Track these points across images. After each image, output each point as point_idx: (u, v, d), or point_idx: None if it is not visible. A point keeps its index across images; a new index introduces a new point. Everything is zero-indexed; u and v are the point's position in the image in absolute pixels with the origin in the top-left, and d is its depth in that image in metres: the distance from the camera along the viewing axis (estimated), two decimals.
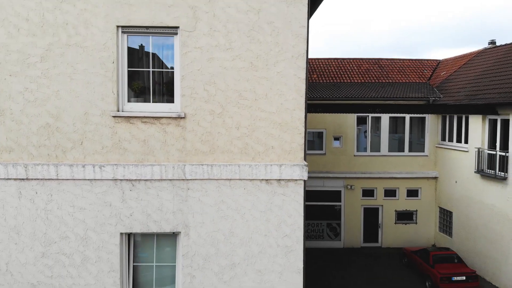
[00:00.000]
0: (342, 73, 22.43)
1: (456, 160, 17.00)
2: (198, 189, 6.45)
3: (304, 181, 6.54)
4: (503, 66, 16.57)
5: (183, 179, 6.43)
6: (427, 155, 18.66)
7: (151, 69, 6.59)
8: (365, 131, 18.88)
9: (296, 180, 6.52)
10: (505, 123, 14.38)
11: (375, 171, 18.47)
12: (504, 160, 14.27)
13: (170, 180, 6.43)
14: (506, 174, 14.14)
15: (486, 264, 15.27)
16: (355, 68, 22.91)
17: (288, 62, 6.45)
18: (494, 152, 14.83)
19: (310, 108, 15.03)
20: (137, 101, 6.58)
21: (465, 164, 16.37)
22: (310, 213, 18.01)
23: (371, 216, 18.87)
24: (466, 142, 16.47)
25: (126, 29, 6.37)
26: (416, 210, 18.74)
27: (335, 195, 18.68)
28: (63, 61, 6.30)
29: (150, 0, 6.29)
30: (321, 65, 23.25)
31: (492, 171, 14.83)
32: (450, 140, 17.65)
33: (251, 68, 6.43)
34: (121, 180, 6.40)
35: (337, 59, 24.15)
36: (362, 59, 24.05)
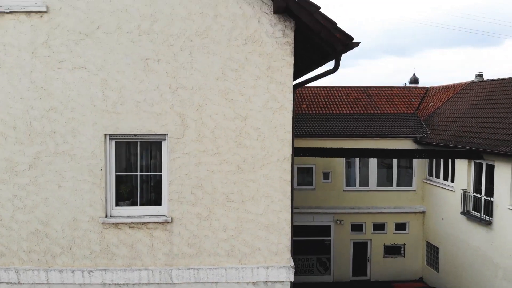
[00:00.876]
0: (331, 102, 22.62)
1: (442, 198, 17.28)
2: None
3: (291, 282, 6.68)
4: (489, 104, 16.88)
5: (170, 283, 6.54)
6: (414, 190, 18.93)
7: (139, 173, 6.69)
8: (352, 166, 19.11)
9: (282, 281, 6.65)
10: (490, 168, 14.66)
11: (364, 206, 18.69)
12: (489, 204, 14.55)
13: (158, 284, 6.53)
14: (491, 218, 14.42)
15: None
16: (344, 97, 23.11)
17: (274, 165, 6.58)
18: (479, 196, 15.11)
19: (298, 152, 15.18)
20: (125, 204, 6.67)
21: (451, 203, 16.64)
22: (299, 248, 18.18)
23: (360, 250, 19.09)
24: (452, 181, 16.74)
25: (114, 136, 6.46)
26: (404, 244, 19.00)
27: (325, 230, 18.87)
28: (51, 169, 6.37)
29: (138, 109, 6.39)
30: (311, 94, 23.41)
31: (478, 213, 15.11)
32: (437, 176, 17.93)
33: (238, 171, 6.56)
34: (109, 284, 6.49)
35: (326, 87, 24.34)
36: (351, 87, 24.29)
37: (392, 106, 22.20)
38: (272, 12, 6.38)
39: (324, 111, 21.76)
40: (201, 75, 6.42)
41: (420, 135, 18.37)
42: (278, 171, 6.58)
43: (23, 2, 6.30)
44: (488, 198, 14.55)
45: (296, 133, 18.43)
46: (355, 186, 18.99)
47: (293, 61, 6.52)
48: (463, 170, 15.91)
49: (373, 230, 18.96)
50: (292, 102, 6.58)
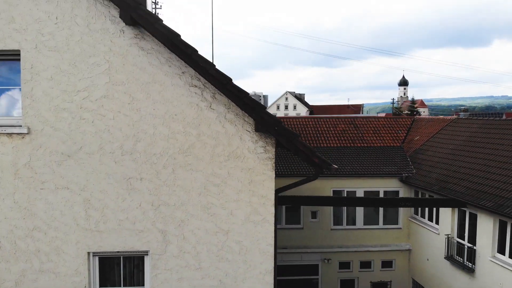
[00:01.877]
0: (319, 135, 22.79)
1: (427, 238, 17.54)
2: None
3: None
4: (472, 148, 17.17)
5: None
6: (400, 228, 19.19)
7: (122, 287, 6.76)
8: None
9: None
10: (473, 217, 14.93)
11: (351, 245, 18.91)
12: (472, 252, 14.83)
13: None
14: (473, 266, 14.69)
15: None
16: (332, 128, 23.31)
17: (256, 279, 6.70)
18: (463, 242, 15.38)
19: (284, 201, 15.36)
20: None
21: (436, 245, 16.91)
22: None
23: None
24: (437, 222, 17.01)
25: (97, 254, 6.53)
26: (391, 281, 19.25)
27: (313, 269, 19.05)
28: (36, 286, 6.42)
29: (121, 227, 6.46)
30: (299, 125, 23.57)
31: (461, 259, 15.39)
32: (422, 216, 18.20)
33: (220, 286, 6.66)
34: None
35: (314, 117, 24.57)
36: (338, 118, 24.56)
37: (379, 139, 22.44)
38: (254, 130, 6.50)
39: (312, 144, 21.93)
40: (183, 191, 6.51)
41: (406, 174, 18.62)
42: (261, 284, 6.70)
43: (4, 123, 6.35)
44: (471, 246, 14.82)
45: (283, 173, 18.58)
46: (342, 225, 19.19)
47: (274, 175, 6.65)
48: (447, 214, 16.17)
49: (360, 268, 19.17)
50: (274, 214, 6.70)
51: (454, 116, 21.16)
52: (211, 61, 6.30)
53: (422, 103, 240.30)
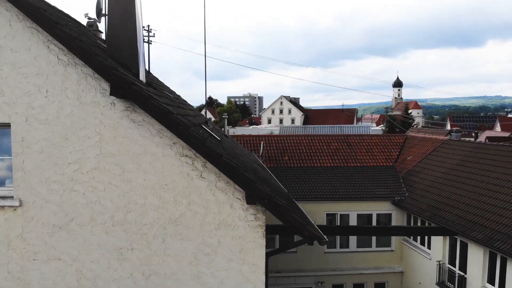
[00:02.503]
0: (312, 153, 22.92)
1: (419, 262, 17.70)
2: None
3: None
4: (463, 173, 17.35)
5: None
6: (393, 250, 19.35)
7: None
8: None
9: None
10: (464, 245, 15.09)
11: (344, 267, 19.04)
12: (462, 280, 14.99)
13: None
14: None
15: None
16: (325, 147, 23.45)
17: None
18: (454, 269, 15.54)
19: (276, 230, 15.41)
20: None
21: (428, 270, 17.07)
22: None
23: None
24: (429, 247, 17.17)
25: None
26: None
27: None
28: None
29: None
30: (293, 144, 23.68)
31: (452, 285, 15.55)
32: (415, 239, 18.36)
33: None
34: None
35: (308, 135, 24.68)
36: (332, 135, 24.72)
37: (372, 158, 22.61)
38: (244, 198, 6.56)
39: (306, 164, 22.07)
40: (174, 261, 6.57)
41: (398, 198, 18.77)
42: None
43: None
44: (462, 274, 14.99)
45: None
46: (336, 248, 19.32)
47: (265, 243, 6.71)
48: (439, 240, 16.32)
49: None
50: (265, 282, 6.77)
51: (446, 137, 21.34)
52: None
53: (416, 105, 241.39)
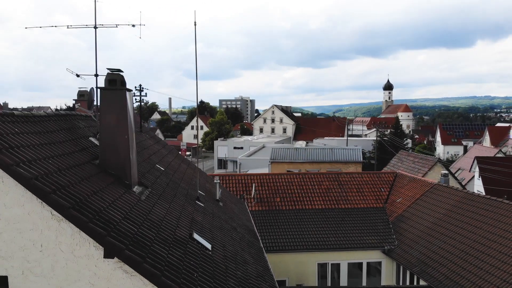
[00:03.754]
0: (304, 194, 23.15)
1: None
2: None
3: None
4: (451, 226, 17.68)
5: None
6: None
7: None
8: (325, 277, 19.69)
9: None
10: None
11: None
12: None
13: None
14: None
15: None
16: (316, 186, 23.70)
17: None
18: None
19: None
20: None
21: None
22: None
23: None
24: None
25: None
26: None
27: None
28: None
29: None
30: (285, 183, 23.90)
31: None
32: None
33: None
34: None
35: (299, 173, 24.90)
36: (323, 174, 24.99)
37: (362, 199, 22.93)
38: None
39: (297, 206, 22.33)
40: None
41: (388, 247, 19.09)
42: None
43: None
44: None
45: (271, 248, 18.93)
46: None
47: None
48: None
49: None
50: None
51: (435, 181, 21.68)
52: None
53: (406, 108, 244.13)
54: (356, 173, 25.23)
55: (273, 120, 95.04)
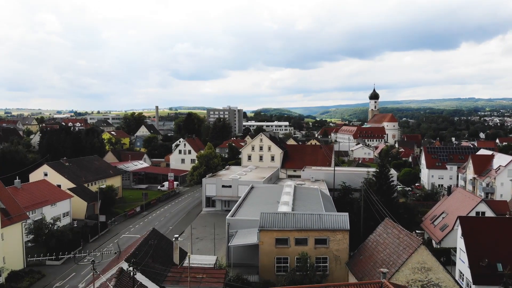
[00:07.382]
0: None
1: None
2: None
3: None
4: None
5: None
6: None
7: None
8: None
9: None
10: None
11: None
12: None
13: None
14: None
15: None
16: None
17: None
18: None
19: None
20: None
21: None
22: None
23: None
24: None
25: None
26: None
27: None
28: None
29: None
30: None
31: None
32: None
33: None
34: None
35: None
36: None
37: None
38: None
39: None
40: None
41: None
42: None
43: None
44: None
45: None
46: None
47: None
48: None
49: None
50: None
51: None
52: None
53: (392, 118, 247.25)
54: (343, 285, 25.96)
55: (261, 148, 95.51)
